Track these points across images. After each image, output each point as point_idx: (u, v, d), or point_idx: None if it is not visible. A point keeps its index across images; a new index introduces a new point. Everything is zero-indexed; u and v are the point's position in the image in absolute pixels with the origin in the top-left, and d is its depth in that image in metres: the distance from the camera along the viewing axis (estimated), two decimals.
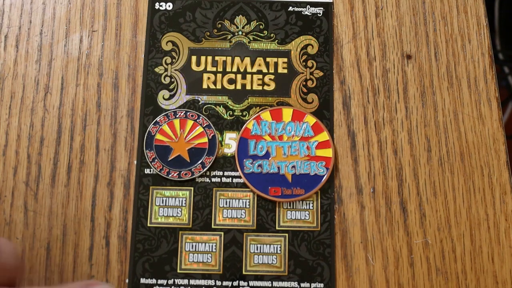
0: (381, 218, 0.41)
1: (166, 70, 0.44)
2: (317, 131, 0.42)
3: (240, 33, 0.45)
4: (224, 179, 0.42)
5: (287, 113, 0.43)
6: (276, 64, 0.44)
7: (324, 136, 0.42)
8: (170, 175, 0.42)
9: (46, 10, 0.46)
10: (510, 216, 0.41)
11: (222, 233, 0.41)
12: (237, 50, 0.45)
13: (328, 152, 0.42)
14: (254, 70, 0.44)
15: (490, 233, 0.41)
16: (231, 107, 0.43)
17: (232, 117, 0.43)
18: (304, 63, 0.44)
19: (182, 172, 0.42)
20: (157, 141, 0.42)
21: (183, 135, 0.43)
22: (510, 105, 1.01)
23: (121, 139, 0.43)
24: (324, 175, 0.41)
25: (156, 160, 0.42)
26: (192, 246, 0.40)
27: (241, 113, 0.43)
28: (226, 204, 0.41)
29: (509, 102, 1.01)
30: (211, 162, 0.42)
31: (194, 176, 0.42)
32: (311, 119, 0.43)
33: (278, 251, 0.40)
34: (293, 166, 0.42)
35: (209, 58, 0.45)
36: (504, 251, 0.41)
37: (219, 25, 0.45)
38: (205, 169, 0.42)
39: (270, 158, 0.42)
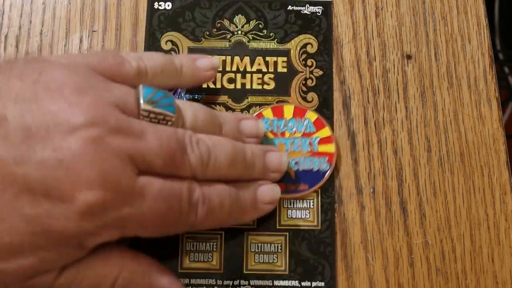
0: (381, 218, 0.41)
1: None
2: (318, 127, 0.42)
3: (239, 32, 0.45)
4: None
5: (288, 110, 0.43)
6: (275, 63, 0.44)
7: (326, 131, 0.42)
8: None
9: (46, 10, 0.46)
10: (510, 216, 0.41)
11: (223, 232, 0.41)
12: (236, 50, 0.45)
13: (330, 148, 0.42)
14: (254, 69, 0.44)
15: (490, 233, 0.41)
16: (231, 106, 0.43)
17: None
18: (303, 62, 0.44)
19: None
20: None
21: None
22: (510, 105, 1.02)
23: None
24: (327, 170, 0.41)
25: None
26: (193, 245, 0.40)
27: (241, 113, 0.43)
28: None
29: (509, 102, 1.02)
30: None
31: None
32: (312, 115, 0.42)
33: (279, 250, 0.40)
34: (296, 162, 0.42)
35: None
36: (504, 251, 0.41)
37: (219, 25, 0.45)
38: None
39: None
